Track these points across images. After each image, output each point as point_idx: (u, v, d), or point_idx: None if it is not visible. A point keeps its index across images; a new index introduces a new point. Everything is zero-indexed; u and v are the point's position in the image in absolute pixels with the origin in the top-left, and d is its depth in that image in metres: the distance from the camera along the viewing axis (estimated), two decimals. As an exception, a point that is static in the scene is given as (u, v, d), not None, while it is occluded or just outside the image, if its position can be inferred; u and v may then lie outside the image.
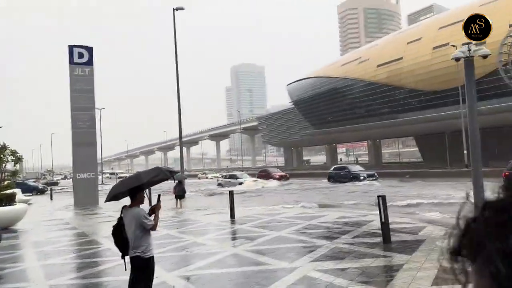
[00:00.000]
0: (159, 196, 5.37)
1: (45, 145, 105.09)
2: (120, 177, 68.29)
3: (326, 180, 35.77)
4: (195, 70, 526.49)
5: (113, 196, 5.38)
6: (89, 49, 27.72)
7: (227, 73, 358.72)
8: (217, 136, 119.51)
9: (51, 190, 34.95)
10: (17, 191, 21.35)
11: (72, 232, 14.29)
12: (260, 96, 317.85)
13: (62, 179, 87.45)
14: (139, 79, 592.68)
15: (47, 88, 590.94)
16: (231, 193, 15.36)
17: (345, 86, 55.47)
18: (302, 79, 67.64)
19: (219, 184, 36.26)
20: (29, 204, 26.15)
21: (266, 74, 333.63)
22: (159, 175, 5.44)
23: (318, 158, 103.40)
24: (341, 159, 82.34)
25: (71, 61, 27.00)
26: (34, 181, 50.96)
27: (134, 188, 5.14)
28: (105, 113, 61.89)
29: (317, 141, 71.93)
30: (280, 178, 39.06)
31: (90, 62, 27.51)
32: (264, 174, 40.66)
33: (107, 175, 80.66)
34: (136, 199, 5.15)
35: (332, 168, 37.41)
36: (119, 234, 5.15)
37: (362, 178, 32.58)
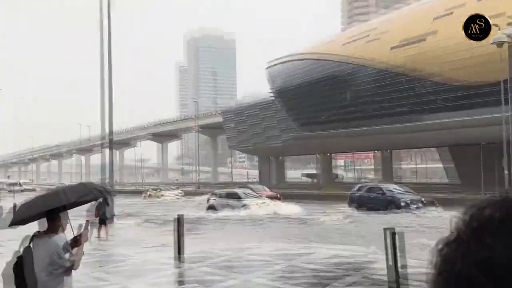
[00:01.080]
0: (87, 222, 5.33)
1: None
2: (25, 190, 66.05)
3: (343, 205, 34.67)
4: (134, 44, 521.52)
5: (23, 219, 5.26)
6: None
7: (181, 46, 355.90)
8: (163, 136, 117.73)
9: None
10: None
11: None
12: (227, 80, 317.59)
13: None
14: (51, 52, 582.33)
15: None
16: (178, 219, 15.25)
17: (346, 73, 56.25)
18: (287, 61, 68.03)
19: (210, 207, 33.53)
20: None
21: (237, 48, 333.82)
22: (89, 194, 5.40)
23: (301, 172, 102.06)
24: (337, 175, 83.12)
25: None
26: None
27: (54, 210, 5.04)
28: None
29: (305, 149, 72.36)
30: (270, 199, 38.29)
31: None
32: None
33: (4, 186, 78.54)
34: (55, 225, 5.06)
35: (355, 188, 36.54)
36: (19, 274, 5.00)
37: (403, 204, 30.33)
